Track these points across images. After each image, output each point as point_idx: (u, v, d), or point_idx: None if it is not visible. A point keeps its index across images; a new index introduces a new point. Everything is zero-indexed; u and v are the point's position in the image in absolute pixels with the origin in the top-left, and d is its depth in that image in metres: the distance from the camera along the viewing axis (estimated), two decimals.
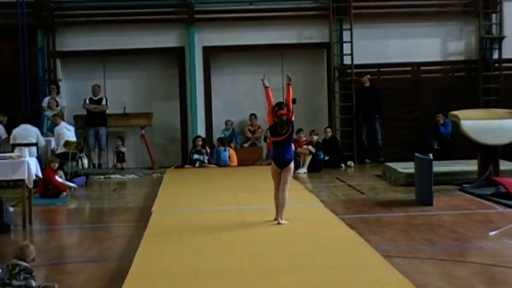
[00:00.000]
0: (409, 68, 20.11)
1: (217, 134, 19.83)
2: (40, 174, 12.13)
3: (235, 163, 19.02)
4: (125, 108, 19.65)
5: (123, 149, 19.34)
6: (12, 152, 13.12)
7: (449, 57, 20.19)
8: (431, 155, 12.47)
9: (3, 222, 10.68)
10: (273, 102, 10.32)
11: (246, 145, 19.99)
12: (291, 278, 7.28)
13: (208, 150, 18.95)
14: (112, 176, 17.73)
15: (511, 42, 19.93)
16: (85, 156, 17.80)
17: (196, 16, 19.74)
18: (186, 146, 19.68)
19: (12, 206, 11.98)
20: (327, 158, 18.43)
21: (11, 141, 15.87)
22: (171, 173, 17.95)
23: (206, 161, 18.74)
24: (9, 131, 16.71)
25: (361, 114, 19.62)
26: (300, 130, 18.24)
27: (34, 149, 15.46)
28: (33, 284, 6.76)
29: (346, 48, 19.88)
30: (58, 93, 19.03)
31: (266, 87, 10.45)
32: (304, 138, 18.50)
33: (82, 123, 19.14)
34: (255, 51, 19.75)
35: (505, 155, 15.95)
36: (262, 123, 18.99)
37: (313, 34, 19.95)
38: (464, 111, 14.52)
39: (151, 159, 19.37)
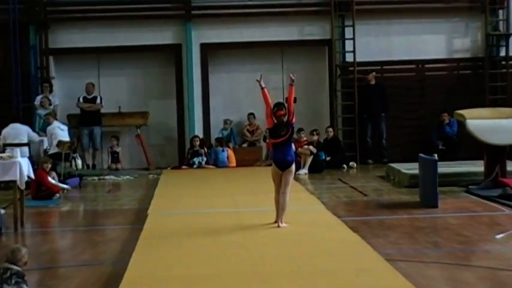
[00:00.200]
0: (413, 66, 20.08)
1: (215, 133, 19.81)
2: (32, 175, 12.13)
3: (234, 164, 18.95)
4: (119, 107, 19.59)
5: (118, 149, 19.30)
6: (3, 152, 13.04)
7: (454, 54, 20.12)
8: (436, 156, 12.45)
9: None
10: (271, 103, 10.13)
11: (244, 145, 19.84)
12: (292, 283, 7.29)
13: (207, 151, 18.82)
14: (106, 177, 17.66)
15: None
16: (79, 157, 17.67)
17: (193, 12, 19.74)
18: (183, 146, 19.63)
19: (4, 208, 12.00)
20: (328, 158, 18.38)
21: (1, 142, 15.94)
22: (168, 174, 17.87)
23: (204, 162, 18.61)
24: None
25: (366, 113, 19.46)
26: (300, 130, 18.23)
27: (26, 149, 15.50)
28: None
29: (348, 45, 19.81)
30: (51, 91, 18.96)
31: (262, 88, 10.27)
32: (305, 138, 18.45)
33: (76, 122, 19.11)
34: (254, 48, 19.73)
35: None
36: (261, 122, 18.88)
37: (314, 31, 19.85)
38: (470, 110, 14.45)
39: (147, 159, 19.29)
